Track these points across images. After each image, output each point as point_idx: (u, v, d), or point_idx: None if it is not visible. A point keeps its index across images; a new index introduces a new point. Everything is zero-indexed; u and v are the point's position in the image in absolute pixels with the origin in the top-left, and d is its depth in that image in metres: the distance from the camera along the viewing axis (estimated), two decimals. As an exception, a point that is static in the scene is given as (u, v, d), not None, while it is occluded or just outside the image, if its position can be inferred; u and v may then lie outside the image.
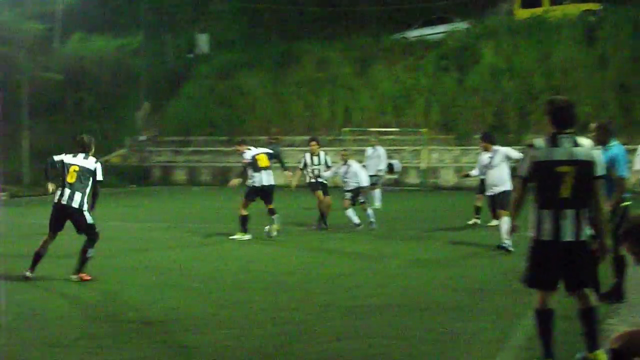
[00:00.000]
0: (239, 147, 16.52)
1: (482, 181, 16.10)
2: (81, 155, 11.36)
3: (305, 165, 17.92)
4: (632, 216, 6.01)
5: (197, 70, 41.18)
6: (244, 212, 15.57)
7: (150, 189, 33.82)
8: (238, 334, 7.77)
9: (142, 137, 38.73)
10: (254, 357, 7.13)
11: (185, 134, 38.10)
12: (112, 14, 43.04)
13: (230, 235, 15.38)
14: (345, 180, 17.10)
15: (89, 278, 10.75)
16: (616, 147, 9.01)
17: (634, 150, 10.17)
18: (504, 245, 12.90)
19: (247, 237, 15.33)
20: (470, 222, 17.57)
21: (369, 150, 22.83)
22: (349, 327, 8.08)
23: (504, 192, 13.10)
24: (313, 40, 40.25)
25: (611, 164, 8.53)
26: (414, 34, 39.58)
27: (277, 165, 17.70)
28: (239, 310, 8.87)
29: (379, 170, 22.37)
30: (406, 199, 27.27)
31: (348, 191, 16.97)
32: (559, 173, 6.31)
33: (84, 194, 11.10)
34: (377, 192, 22.47)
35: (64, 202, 10.98)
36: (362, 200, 17.15)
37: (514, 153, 13.45)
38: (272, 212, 15.92)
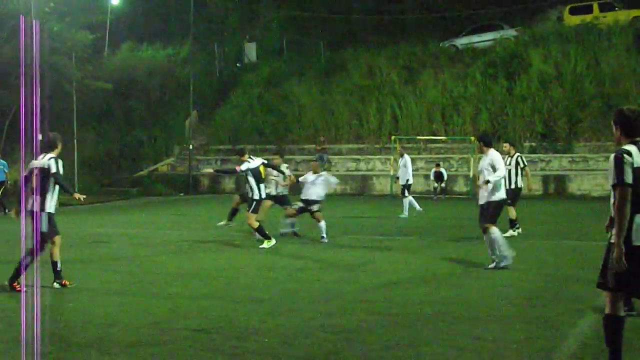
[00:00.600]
0: (242, 157, 16.19)
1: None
2: (42, 156, 10.80)
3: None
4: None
5: (245, 78, 41.40)
6: (255, 225, 15.53)
7: (198, 198, 34.00)
8: (286, 342, 7.70)
9: (191, 146, 39.04)
10: (303, 365, 7.07)
11: (233, 142, 38.26)
12: (161, 24, 43.51)
13: (261, 245, 15.33)
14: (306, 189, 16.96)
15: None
16: None
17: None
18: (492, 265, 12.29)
19: (273, 242, 15.32)
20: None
21: (400, 160, 22.97)
22: (398, 335, 7.96)
23: (489, 202, 12.42)
24: (360, 48, 40.24)
25: None
26: (461, 41, 39.39)
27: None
28: (287, 318, 8.80)
29: (408, 180, 22.43)
30: (454, 206, 27.04)
31: (303, 200, 16.86)
32: None
33: (44, 197, 10.58)
34: (406, 201, 22.50)
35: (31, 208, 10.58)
36: (315, 210, 16.82)
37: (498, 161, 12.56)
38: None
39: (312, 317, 8.80)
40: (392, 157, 31.89)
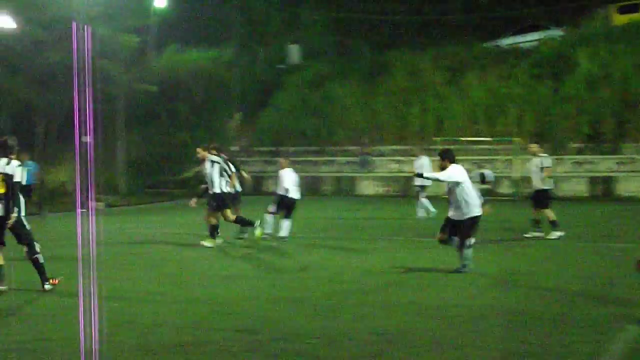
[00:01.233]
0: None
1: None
2: (3, 161, 10.51)
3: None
4: None
5: (288, 80, 41.46)
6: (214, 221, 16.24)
7: (242, 199, 34.07)
8: (330, 343, 7.70)
9: (234, 148, 39.15)
10: (347, 366, 7.06)
11: (276, 144, 38.34)
12: (205, 27, 43.74)
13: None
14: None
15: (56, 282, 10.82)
16: None
17: None
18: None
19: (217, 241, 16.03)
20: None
21: (416, 162, 23.16)
22: (444, 336, 7.93)
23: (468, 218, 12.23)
24: (404, 49, 40.09)
25: None
26: (506, 41, 39.06)
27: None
28: (331, 320, 8.79)
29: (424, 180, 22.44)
30: (498, 208, 26.76)
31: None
32: None
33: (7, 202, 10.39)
34: (420, 202, 22.56)
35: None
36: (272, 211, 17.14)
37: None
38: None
39: (355, 319, 8.79)
40: (435, 159, 31.75)
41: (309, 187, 34.44)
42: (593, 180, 31.40)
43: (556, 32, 37.83)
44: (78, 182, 11.12)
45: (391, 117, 36.90)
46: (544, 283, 11.12)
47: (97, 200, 31.15)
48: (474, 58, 38.01)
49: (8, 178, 10.34)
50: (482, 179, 20.10)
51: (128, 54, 34.79)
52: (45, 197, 27.56)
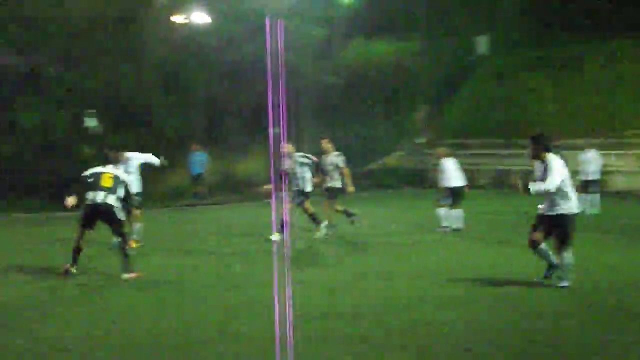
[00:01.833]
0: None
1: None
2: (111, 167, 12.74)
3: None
4: None
5: (476, 72, 40.66)
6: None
7: (424, 192, 33.73)
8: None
9: (420, 140, 38.86)
10: None
11: (463, 137, 37.68)
12: (391, 18, 43.60)
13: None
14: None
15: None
16: None
17: None
18: None
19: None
20: None
21: (581, 156, 22.51)
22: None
23: None
24: (599, 39, 38.27)
25: None
26: None
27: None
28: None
29: (592, 174, 21.91)
30: None
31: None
32: None
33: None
34: (590, 197, 21.70)
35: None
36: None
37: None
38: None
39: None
40: (630, 153, 30.38)
41: (496, 181, 33.63)
42: None
43: None
44: (272, 173, 11.84)
45: (584, 109, 35.35)
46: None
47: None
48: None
49: (116, 178, 12.36)
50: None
51: (315, 47, 35.23)
52: (230, 187, 28.45)
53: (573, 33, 40.11)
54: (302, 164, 16.54)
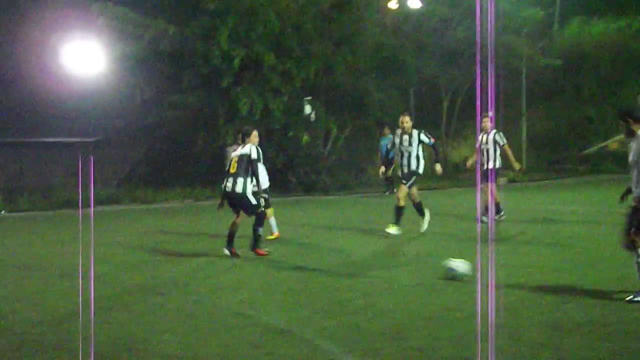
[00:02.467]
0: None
1: None
2: (241, 146, 12.24)
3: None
4: None
5: None
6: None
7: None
8: None
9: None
10: None
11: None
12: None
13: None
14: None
15: (263, 253, 12.05)
16: None
17: None
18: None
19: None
20: None
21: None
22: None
23: None
24: None
25: None
26: None
27: None
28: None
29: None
30: None
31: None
32: None
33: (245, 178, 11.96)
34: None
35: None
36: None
37: None
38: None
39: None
40: None
41: None
42: None
43: None
44: (478, 158, 11.46)
45: None
46: None
47: (499, 175, 31.31)
48: None
49: (241, 158, 12.00)
50: None
51: (532, 28, 34.39)
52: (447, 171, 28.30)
53: None
54: (495, 142, 15.85)
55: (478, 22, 12.71)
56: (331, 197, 26.14)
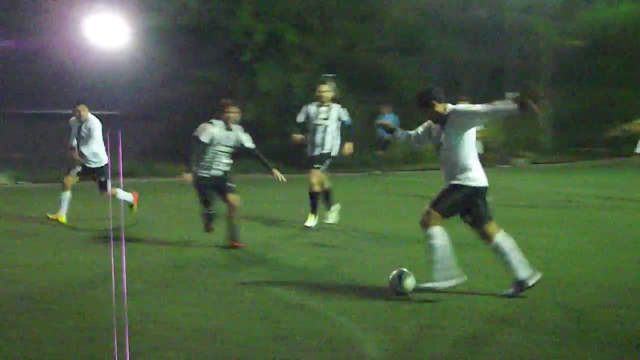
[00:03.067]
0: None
1: None
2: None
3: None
4: None
5: None
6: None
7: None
8: None
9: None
10: None
11: None
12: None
13: None
14: None
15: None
16: None
17: None
18: None
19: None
20: None
21: None
22: None
23: None
24: None
25: None
26: None
27: None
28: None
29: None
30: None
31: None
32: None
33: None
34: None
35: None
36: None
37: None
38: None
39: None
40: None
41: None
42: None
43: None
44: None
45: None
46: None
47: (520, 157, 31.20)
48: None
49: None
50: None
51: (555, 9, 34.11)
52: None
53: None
54: None
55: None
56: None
